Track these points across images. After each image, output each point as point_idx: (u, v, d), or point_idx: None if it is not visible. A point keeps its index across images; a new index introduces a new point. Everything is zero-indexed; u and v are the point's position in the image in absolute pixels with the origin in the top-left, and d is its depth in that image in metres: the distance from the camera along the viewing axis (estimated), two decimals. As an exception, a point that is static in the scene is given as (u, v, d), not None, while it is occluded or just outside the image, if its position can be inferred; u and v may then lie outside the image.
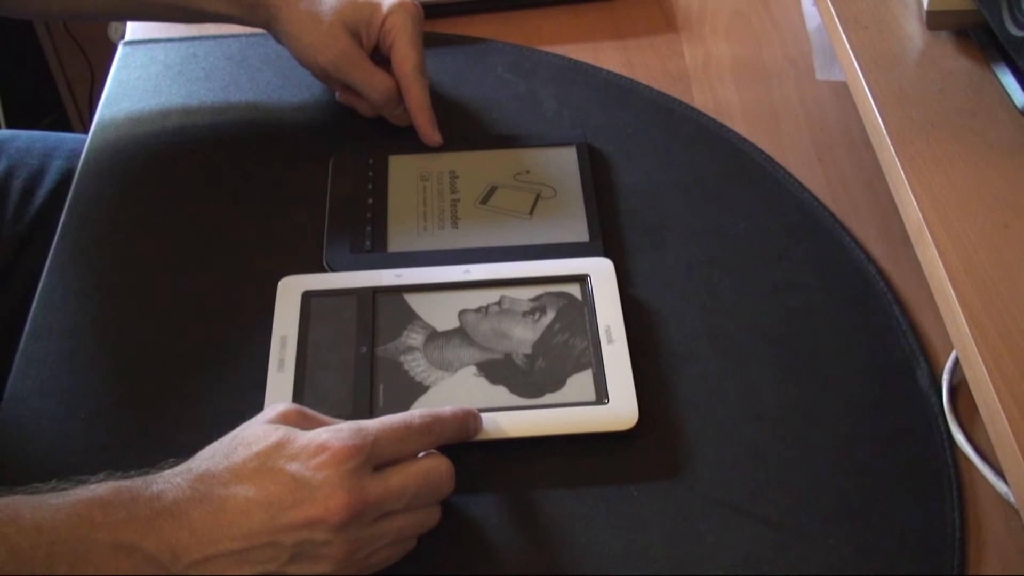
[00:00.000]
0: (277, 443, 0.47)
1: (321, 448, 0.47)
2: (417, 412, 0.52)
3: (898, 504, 0.54)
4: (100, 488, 0.45)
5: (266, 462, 0.47)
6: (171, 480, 0.46)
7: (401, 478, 0.49)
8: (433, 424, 0.52)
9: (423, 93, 0.70)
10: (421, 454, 0.51)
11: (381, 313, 0.61)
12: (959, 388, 0.59)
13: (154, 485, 0.46)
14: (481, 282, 0.63)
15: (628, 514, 0.54)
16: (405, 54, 0.69)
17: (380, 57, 0.72)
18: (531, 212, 0.68)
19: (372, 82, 0.69)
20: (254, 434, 0.48)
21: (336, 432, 0.48)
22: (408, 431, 0.50)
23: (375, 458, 0.48)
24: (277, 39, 0.72)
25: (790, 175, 0.71)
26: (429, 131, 0.71)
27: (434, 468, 0.50)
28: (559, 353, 0.59)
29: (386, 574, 0.51)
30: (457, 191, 0.69)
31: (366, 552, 0.48)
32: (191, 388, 0.59)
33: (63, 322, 0.63)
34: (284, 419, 0.50)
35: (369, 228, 0.66)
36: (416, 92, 0.70)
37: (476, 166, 0.71)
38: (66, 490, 0.46)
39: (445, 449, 0.52)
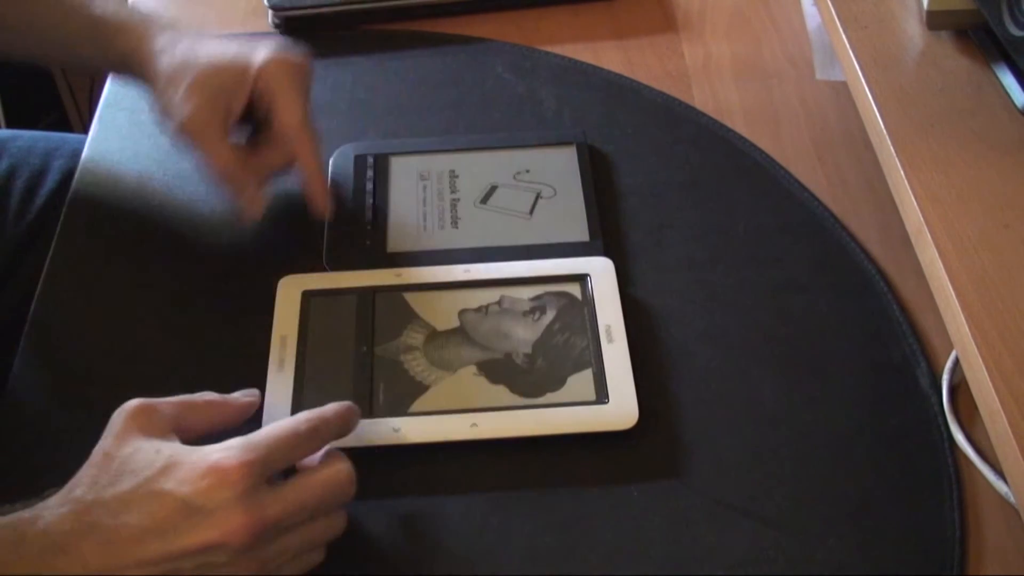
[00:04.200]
0: (164, 468, 0.45)
1: (211, 469, 0.45)
2: (303, 416, 0.50)
3: (898, 504, 0.54)
4: None
5: (153, 487, 0.45)
6: (56, 512, 0.45)
7: (299, 491, 0.48)
8: (320, 426, 0.50)
9: (313, 152, 0.63)
10: (319, 455, 0.50)
11: (381, 312, 0.61)
12: (959, 388, 0.59)
13: (40, 521, 0.44)
14: (481, 282, 0.63)
15: (628, 514, 0.54)
16: (284, 109, 0.61)
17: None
18: (531, 212, 0.68)
19: (210, 155, 0.61)
20: (137, 456, 0.46)
21: (226, 450, 0.46)
22: (298, 438, 0.49)
23: (269, 469, 0.47)
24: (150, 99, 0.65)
25: (790, 175, 0.71)
26: (320, 197, 0.64)
27: (333, 476, 0.49)
28: (559, 353, 0.59)
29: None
30: (457, 191, 0.69)
31: (272, 567, 0.47)
32: (191, 387, 0.59)
33: (63, 322, 0.63)
34: (136, 421, 0.48)
35: (369, 228, 0.66)
36: (305, 150, 0.62)
37: (476, 166, 0.71)
38: None
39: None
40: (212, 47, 0.63)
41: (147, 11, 0.66)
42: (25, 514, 0.45)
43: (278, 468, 0.48)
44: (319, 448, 0.51)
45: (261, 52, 0.62)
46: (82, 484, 0.46)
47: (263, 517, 0.45)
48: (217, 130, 0.61)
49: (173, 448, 0.47)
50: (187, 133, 0.61)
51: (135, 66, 0.63)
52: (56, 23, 0.64)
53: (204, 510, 0.44)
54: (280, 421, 0.49)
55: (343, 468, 0.50)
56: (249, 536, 0.45)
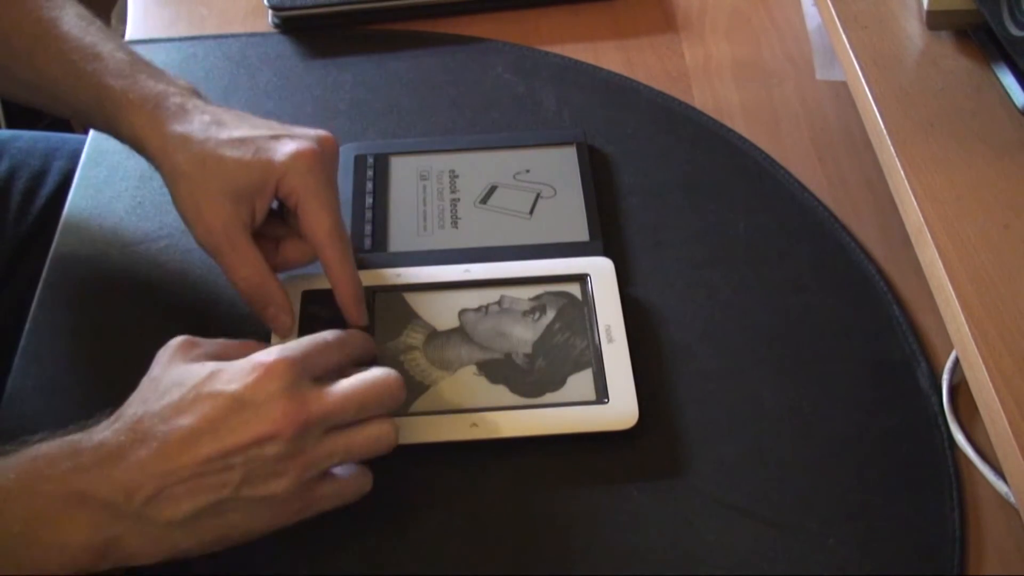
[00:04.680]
0: (211, 373, 0.48)
1: (256, 367, 0.47)
2: (325, 332, 0.52)
3: (898, 504, 0.54)
4: (42, 446, 0.46)
5: (202, 390, 0.47)
6: (110, 428, 0.47)
7: (347, 385, 0.49)
8: (344, 336, 0.53)
9: (345, 260, 0.58)
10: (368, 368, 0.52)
11: (381, 312, 0.61)
12: (959, 388, 0.59)
13: (94, 435, 0.46)
14: (481, 281, 0.63)
15: (628, 514, 0.54)
16: (314, 218, 0.57)
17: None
18: (531, 212, 0.68)
19: (235, 269, 0.57)
20: (183, 372, 0.48)
21: (266, 352, 0.48)
22: (327, 344, 0.51)
23: (309, 369, 0.49)
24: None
25: (790, 175, 0.71)
26: (352, 306, 0.59)
27: (381, 377, 0.50)
28: (559, 352, 0.59)
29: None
30: (457, 191, 0.69)
31: (318, 469, 0.48)
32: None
33: (63, 321, 0.63)
34: (180, 351, 0.50)
35: (369, 228, 0.66)
36: (335, 259, 0.58)
37: (476, 166, 0.71)
38: (8, 452, 0.46)
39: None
40: (231, 137, 0.57)
41: (159, 83, 0.60)
42: (78, 433, 0.47)
43: (315, 370, 0.49)
44: (347, 359, 0.53)
45: (284, 147, 0.57)
46: (132, 404, 0.48)
47: (308, 407, 0.47)
48: (241, 239, 0.57)
49: (216, 363, 0.49)
50: (212, 246, 0.57)
51: (147, 152, 0.59)
52: (67, 88, 0.60)
53: (253, 403, 0.46)
54: (307, 335, 0.52)
55: (391, 372, 0.51)
56: (296, 424, 0.46)
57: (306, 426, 0.47)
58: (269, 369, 0.47)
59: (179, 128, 0.57)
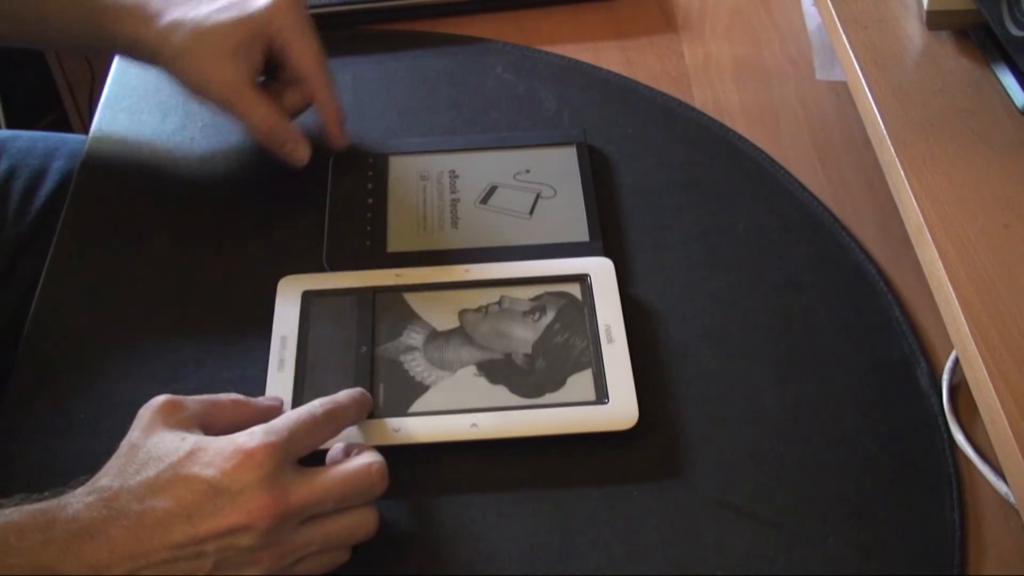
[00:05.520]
0: (190, 452, 0.46)
1: (236, 451, 0.46)
2: (317, 402, 0.51)
3: (898, 504, 0.54)
4: (14, 514, 0.45)
5: (180, 471, 0.45)
6: (84, 500, 0.45)
7: (326, 478, 0.48)
8: (335, 409, 0.52)
9: (330, 85, 0.67)
10: (354, 454, 0.51)
11: (381, 313, 0.61)
12: (959, 388, 0.59)
13: (69, 508, 0.45)
14: (481, 282, 0.63)
15: (628, 514, 0.54)
16: (302, 49, 0.66)
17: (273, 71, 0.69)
18: (531, 212, 0.68)
19: (252, 116, 0.65)
20: (162, 443, 0.47)
21: (249, 435, 0.47)
22: (315, 421, 0.50)
23: (293, 454, 0.48)
24: (169, 76, 0.67)
25: (790, 175, 0.71)
26: (336, 125, 0.68)
27: (363, 467, 0.49)
28: (559, 353, 0.59)
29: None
30: (457, 191, 0.69)
31: (293, 558, 0.47)
32: (191, 388, 0.59)
33: (63, 322, 0.63)
34: (162, 415, 0.48)
35: (369, 228, 0.66)
36: (323, 83, 0.66)
37: (476, 166, 0.71)
38: None
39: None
40: (213, 8, 0.65)
41: None
42: (55, 501, 0.45)
43: (300, 451, 0.49)
44: (337, 432, 0.52)
45: (260, 0, 0.65)
46: (109, 473, 0.47)
47: (287, 499, 0.46)
48: (250, 89, 0.65)
49: (197, 436, 0.47)
50: (225, 100, 0.64)
51: (145, 51, 0.65)
52: (55, 12, 0.66)
53: (230, 492, 0.45)
54: (297, 408, 0.50)
55: (374, 461, 0.50)
56: (273, 518, 0.45)
57: (283, 519, 0.46)
58: (249, 455, 0.46)
59: (167, 18, 0.65)
